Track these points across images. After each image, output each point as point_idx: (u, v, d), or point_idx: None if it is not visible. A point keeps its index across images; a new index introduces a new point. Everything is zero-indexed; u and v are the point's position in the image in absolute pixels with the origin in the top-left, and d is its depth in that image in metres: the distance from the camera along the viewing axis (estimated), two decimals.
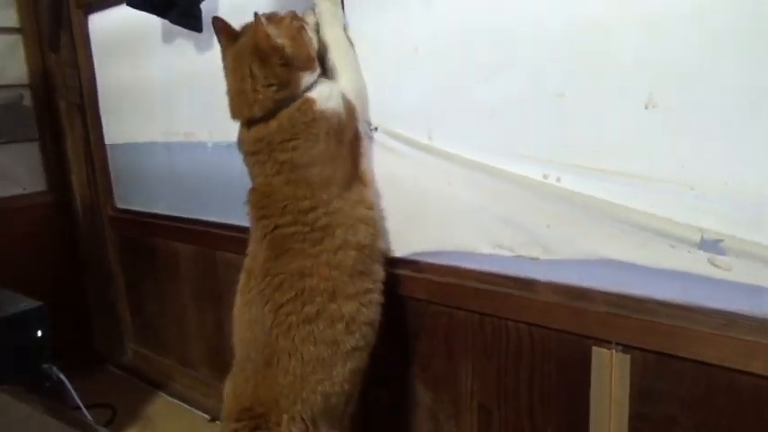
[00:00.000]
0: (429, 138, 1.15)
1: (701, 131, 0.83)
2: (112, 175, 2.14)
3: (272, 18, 1.10)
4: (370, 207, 1.14)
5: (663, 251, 0.89)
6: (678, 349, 0.90)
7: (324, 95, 1.10)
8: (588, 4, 0.91)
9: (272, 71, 1.06)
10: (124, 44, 1.92)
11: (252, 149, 1.13)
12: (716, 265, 0.84)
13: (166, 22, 1.65)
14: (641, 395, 0.97)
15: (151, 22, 1.70)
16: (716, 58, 0.81)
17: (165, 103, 1.83)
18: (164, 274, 1.99)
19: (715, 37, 0.80)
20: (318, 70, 1.13)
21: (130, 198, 2.09)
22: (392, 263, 1.25)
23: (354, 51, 1.20)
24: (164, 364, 2.10)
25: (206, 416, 1.83)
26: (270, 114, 1.09)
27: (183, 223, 1.85)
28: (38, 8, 2.04)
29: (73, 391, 1.46)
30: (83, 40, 2.05)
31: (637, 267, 0.93)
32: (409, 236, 1.22)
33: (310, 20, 1.16)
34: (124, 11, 1.86)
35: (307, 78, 1.09)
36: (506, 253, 1.08)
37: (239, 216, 1.64)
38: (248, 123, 1.13)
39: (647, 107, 0.87)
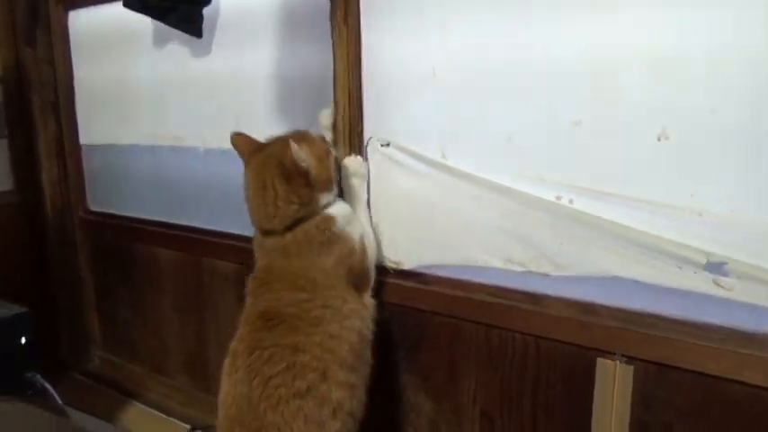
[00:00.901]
0: (442, 156, 1.20)
1: (709, 164, 0.92)
2: (86, 177, 2.07)
3: (303, 137, 1.15)
4: (366, 326, 1.16)
5: (670, 271, 0.98)
6: (679, 361, 0.99)
7: (343, 216, 1.16)
8: (605, 41, 0.98)
9: (294, 190, 1.11)
10: (107, 43, 1.88)
11: (265, 253, 1.17)
12: (720, 285, 0.93)
13: (157, 23, 1.63)
14: (642, 404, 1.04)
15: (139, 24, 1.68)
16: (725, 99, 0.90)
17: (151, 105, 1.80)
18: (141, 279, 1.95)
19: (725, 81, 0.89)
20: (335, 190, 1.18)
21: (106, 201, 2.03)
22: (399, 275, 1.29)
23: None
24: (135, 372, 2.04)
25: (185, 425, 1.80)
26: (287, 229, 1.13)
27: (165, 228, 1.82)
28: (13, 0, 1.96)
29: (58, 399, 1.42)
30: (61, 37, 1.98)
31: (644, 285, 1.01)
32: (417, 248, 1.27)
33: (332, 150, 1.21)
34: (108, 10, 1.83)
35: (325, 198, 1.15)
36: (517, 268, 1.14)
37: (229, 223, 1.66)
38: (265, 233, 1.17)
39: (659, 139, 0.96)
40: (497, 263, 1.16)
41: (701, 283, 0.95)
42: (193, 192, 1.75)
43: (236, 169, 1.62)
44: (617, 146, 1.00)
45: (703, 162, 0.93)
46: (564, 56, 1.03)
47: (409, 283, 1.29)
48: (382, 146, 1.27)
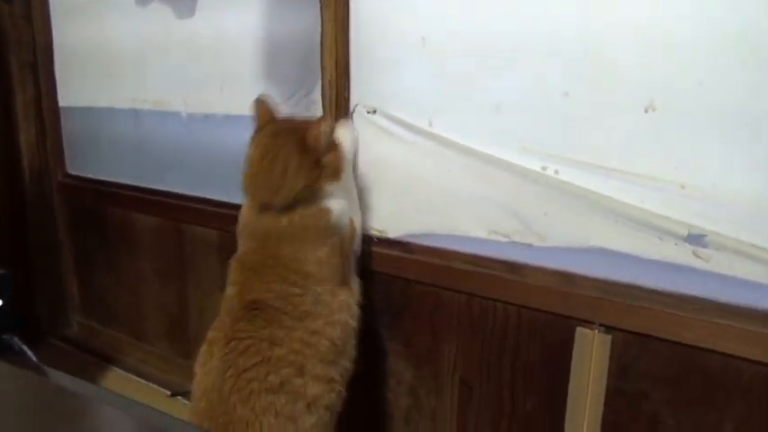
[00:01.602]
0: (429, 124, 1.19)
1: (694, 137, 0.93)
2: (65, 140, 2.03)
3: (327, 123, 1.12)
4: (353, 316, 1.14)
5: (651, 242, 0.99)
6: (656, 330, 1.00)
7: (339, 210, 1.13)
8: (595, 13, 0.98)
9: (307, 167, 1.07)
10: (88, 2, 1.82)
11: (254, 234, 1.12)
12: (699, 257, 0.95)
13: None
14: (619, 372, 1.07)
15: None
16: (712, 72, 0.90)
17: (133, 68, 1.76)
18: (120, 244, 1.93)
19: (712, 54, 0.89)
20: (341, 183, 1.13)
21: (85, 165, 1.99)
22: (383, 243, 1.30)
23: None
24: (115, 338, 2.03)
25: (166, 391, 1.80)
26: (286, 208, 1.08)
27: (146, 194, 1.79)
28: None
29: (36, 361, 1.40)
30: None
31: (625, 256, 1.02)
32: (402, 217, 1.27)
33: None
34: None
35: (329, 187, 1.10)
36: (501, 238, 1.15)
37: (211, 189, 1.65)
38: (260, 208, 1.11)
39: (647, 111, 0.96)
40: (481, 233, 1.17)
41: (681, 254, 0.96)
42: (175, 157, 1.72)
43: (219, 135, 1.61)
44: (604, 117, 1.00)
45: (688, 135, 0.93)
46: (553, 27, 1.02)
47: (393, 252, 1.29)
48: (369, 113, 1.26)
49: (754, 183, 0.89)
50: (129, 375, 1.90)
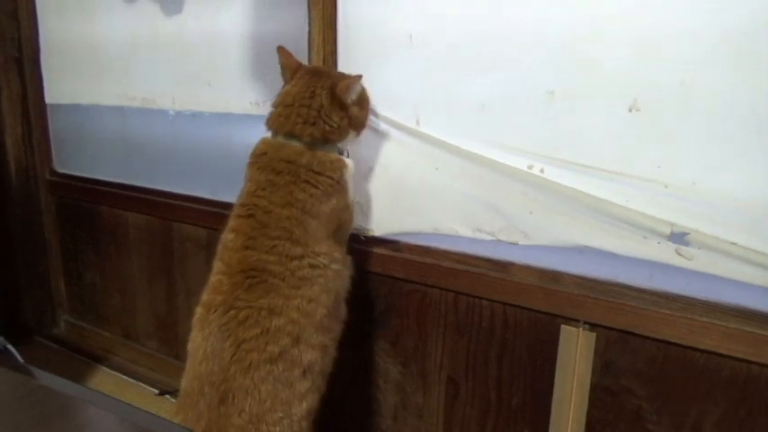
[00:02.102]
0: (416, 123, 1.20)
1: (677, 136, 0.94)
2: (52, 137, 2.01)
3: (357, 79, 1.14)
4: (345, 287, 1.16)
5: (635, 241, 1.00)
6: (640, 328, 1.02)
7: (352, 169, 1.15)
8: (580, 12, 0.98)
9: (335, 111, 1.10)
10: None
11: (275, 167, 1.10)
12: (681, 255, 0.96)
13: None
14: (603, 369, 1.08)
15: None
16: (695, 75, 0.91)
17: (121, 65, 1.75)
18: (108, 243, 1.92)
19: (695, 55, 0.90)
20: (359, 136, 1.18)
21: (73, 162, 1.98)
22: (371, 242, 1.30)
23: None
24: (103, 337, 2.02)
25: (153, 390, 1.79)
26: (310, 145, 1.10)
27: (135, 192, 1.79)
28: None
29: (21, 359, 1.40)
30: None
31: (609, 254, 1.03)
32: (389, 216, 1.27)
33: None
34: None
35: (352, 136, 1.15)
36: (486, 237, 1.15)
37: (200, 188, 1.64)
38: (286, 135, 1.11)
39: (630, 110, 0.97)
40: (468, 231, 1.17)
41: (665, 252, 0.97)
42: (163, 155, 1.71)
43: (207, 133, 1.61)
44: (589, 116, 1.01)
45: (671, 134, 0.94)
46: (539, 26, 1.03)
47: (380, 250, 1.29)
48: None
49: (736, 182, 0.90)
50: (118, 374, 1.89)
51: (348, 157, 1.16)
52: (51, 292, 2.15)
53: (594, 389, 1.09)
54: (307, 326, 1.06)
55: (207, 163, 1.63)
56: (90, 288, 2.03)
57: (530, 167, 1.08)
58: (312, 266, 1.07)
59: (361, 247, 1.31)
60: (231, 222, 1.11)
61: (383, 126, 1.23)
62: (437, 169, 1.18)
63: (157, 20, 1.61)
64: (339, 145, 1.14)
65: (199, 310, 1.09)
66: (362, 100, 1.16)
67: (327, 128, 1.10)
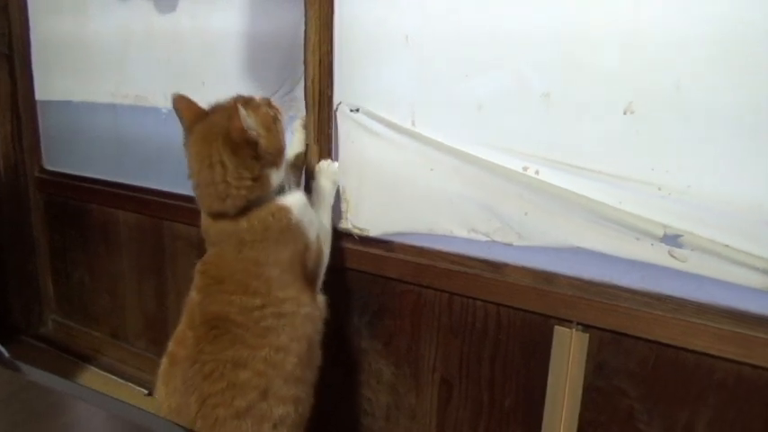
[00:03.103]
0: (412, 123, 1.20)
1: (671, 140, 0.95)
2: (42, 134, 1.99)
3: (248, 103, 1.06)
4: (317, 330, 1.10)
5: (628, 242, 1.01)
6: (633, 329, 1.02)
7: (300, 206, 1.08)
8: (576, 15, 0.99)
9: (243, 163, 1.01)
10: None
11: (216, 240, 1.07)
12: (674, 257, 0.97)
13: None
14: (595, 370, 1.08)
15: None
16: (690, 78, 0.92)
17: (113, 62, 1.73)
18: (98, 242, 1.90)
19: (691, 60, 0.91)
20: (284, 167, 1.09)
21: (62, 160, 1.96)
22: (365, 242, 1.30)
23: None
24: (91, 337, 2.00)
25: (143, 390, 1.78)
26: (241, 212, 1.03)
27: (126, 190, 1.77)
28: None
29: (9, 357, 1.37)
30: None
31: (603, 256, 1.04)
32: (384, 216, 1.27)
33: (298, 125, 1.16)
34: None
35: (275, 176, 1.05)
36: (481, 237, 1.16)
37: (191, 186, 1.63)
38: (213, 216, 1.06)
39: (625, 113, 0.98)
40: (462, 232, 1.18)
41: (658, 254, 0.98)
42: (155, 153, 1.70)
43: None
44: (584, 119, 1.02)
45: (664, 137, 0.95)
46: (536, 28, 1.03)
47: (375, 251, 1.29)
48: (351, 111, 1.26)
49: (729, 184, 0.91)
50: (106, 374, 1.87)
51: (292, 188, 1.09)
52: (39, 290, 2.13)
53: (587, 390, 1.09)
54: (275, 378, 1.00)
55: None
56: (79, 287, 2.01)
57: (525, 169, 1.08)
58: (276, 315, 1.02)
59: (354, 247, 1.31)
60: (194, 280, 1.08)
61: (378, 126, 1.23)
62: (432, 170, 1.18)
63: (151, 17, 1.60)
64: (274, 185, 1.05)
65: (163, 362, 1.04)
66: (266, 122, 1.04)
67: (244, 191, 1.02)
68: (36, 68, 1.94)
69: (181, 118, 1.08)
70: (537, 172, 1.07)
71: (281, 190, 1.08)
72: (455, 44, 1.12)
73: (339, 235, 1.32)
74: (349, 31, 1.24)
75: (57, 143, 1.96)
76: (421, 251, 1.24)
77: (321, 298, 1.14)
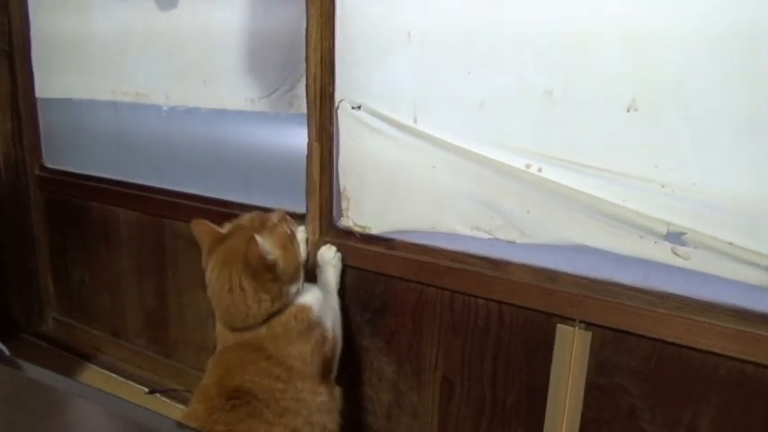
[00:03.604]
0: (414, 121, 1.19)
1: (675, 137, 0.94)
2: (42, 132, 1.98)
3: (264, 223, 1.09)
4: (333, 420, 1.12)
5: (632, 240, 1.00)
6: (636, 327, 1.02)
7: (318, 303, 1.13)
8: (579, 12, 0.99)
9: (263, 287, 1.04)
10: None
11: (237, 345, 1.09)
12: (678, 255, 0.96)
13: None
14: (598, 368, 1.08)
15: None
16: (694, 76, 0.91)
17: (114, 59, 1.73)
18: (98, 240, 1.89)
19: (695, 58, 0.91)
20: (303, 278, 1.13)
21: (63, 158, 1.95)
22: (366, 239, 1.29)
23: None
24: (91, 335, 1.99)
25: (143, 388, 1.77)
26: (263, 322, 1.07)
27: (127, 188, 1.77)
28: None
29: (7, 352, 1.37)
30: None
31: (606, 253, 1.03)
32: (386, 214, 1.27)
33: (298, 232, 1.16)
34: None
35: (294, 288, 1.10)
36: (484, 235, 1.15)
37: (193, 184, 1.63)
38: (235, 331, 1.09)
39: (629, 110, 0.97)
40: (465, 230, 1.17)
41: (661, 252, 0.98)
42: (156, 151, 1.70)
43: (201, 129, 1.60)
44: (587, 116, 1.01)
45: (668, 134, 0.94)
46: (538, 25, 1.03)
47: (377, 248, 1.29)
48: (353, 108, 1.26)
49: (733, 182, 0.91)
50: (107, 372, 1.87)
51: (305, 285, 1.12)
52: (40, 288, 2.12)
53: (589, 388, 1.09)
54: None
55: (201, 159, 1.62)
56: (79, 285, 2.01)
57: (527, 166, 1.08)
58: (296, 399, 1.04)
59: (356, 244, 1.30)
60: (207, 371, 1.09)
61: (380, 124, 1.23)
62: (434, 167, 1.18)
63: (152, 14, 1.60)
64: (292, 295, 1.09)
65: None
66: (282, 242, 1.08)
67: (265, 309, 1.05)
68: (36, 66, 1.93)
69: (201, 241, 1.12)
70: (540, 169, 1.07)
71: (298, 292, 1.12)
72: (457, 41, 1.11)
73: (340, 233, 1.32)
74: (351, 27, 1.23)
75: (57, 141, 1.96)
76: (423, 249, 1.24)
77: (337, 390, 1.16)
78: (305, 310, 1.10)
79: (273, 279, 1.05)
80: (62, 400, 0.73)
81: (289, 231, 1.11)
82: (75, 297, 2.04)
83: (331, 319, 1.17)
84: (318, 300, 1.15)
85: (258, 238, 1.01)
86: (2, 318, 2.06)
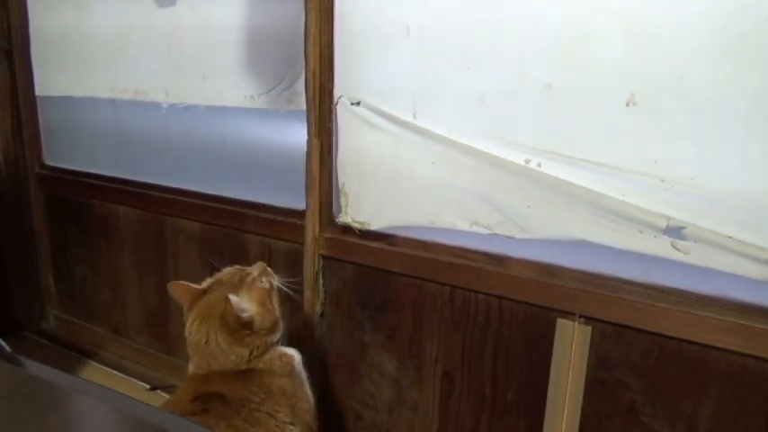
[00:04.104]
0: (413, 116, 1.19)
1: (674, 131, 0.94)
2: (42, 130, 1.98)
3: (243, 278, 1.09)
4: None
5: (631, 235, 1.00)
6: (635, 321, 1.02)
7: (299, 359, 1.13)
8: (579, 6, 0.98)
9: (239, 342, 1.05)
10: None
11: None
12: (677, 249, 0.96)
13: None
14: (598, 362, 1.08)
15: None
16: (694, 69, 0.91)
17: (113, 56, 1.73)
18: (99, 237, 1.89)
19: (694, 51, 0.91)
20: (282, 329, 1.13)
21: (63, 155, 1.95)
22: (366, 235, 1.29)
23: None
24: (93, 332, 2.00)
25: (145, 385, 1.78)
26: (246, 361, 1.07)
27: (127, 185, 1.77)
28: None
29: (8, 349, 1.37)
30: None
31: (606, 248, 1.03)
32: (386, 210, 1.27)
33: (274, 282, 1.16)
34: None
35: (272, 337, 1.10)
36: (483, 230, 1.15)
37: (194, 181, 1.63)
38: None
39: (628, 105, 0.97)
40: (464, 225, 1.17)
41: (661, 246, 0.98)
42: (156, 148, 1.70)
43: (200, 126, 1.60)
44: (587, 110, 1.01)
45: (667, 128, 0.94)
46: (537, 19, 1.02)
47: (376, 244, 1.29)
48: (352, 104, 1.25)
49: (732, 176, 0.91)
50: (108, 369, 1.87)
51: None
52: (40, 286, 2.12)
53: (590, 382, 1.09)
54: None
55: (200, 156, 1.62)
56: (80, 282, 2.01)
57: (527, 161, 1.08)
58: (269, 414, 1.03)
59: (355, 241, 1.30)
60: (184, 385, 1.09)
61: (379, 119, 1.23)
62: (433, 163, 1.18)
63: (151, 11, 1.60)
64: (272, 343, 1.10)
65: None
66: (260, 298, 1.08)
67: (244, 360, 1.06)
68: (35, 63, 1.93)
69: (180, 301, 1.12)
70: (539, 164, 1.07)
71: (279, 341, 1.12)
72: (456, 36, 1.11)
73: (339, 229, 1.32)
74: (350, 22, 1.23)
75: (57, 138, 1.96)
76: (422, 244, 1.24)
77: None
78: (287, 356, 1.11)
79: (250, 335, 1.06)
80: (63, 396, 0.73)
81: (268, 285, 1.12)
82: (76, 294, 2.04)
83: (309, 394, 1.14)
84: (299, 358, 1.13)
85: (234, 298, 1.03)
86: (3, 315, 2.07)
